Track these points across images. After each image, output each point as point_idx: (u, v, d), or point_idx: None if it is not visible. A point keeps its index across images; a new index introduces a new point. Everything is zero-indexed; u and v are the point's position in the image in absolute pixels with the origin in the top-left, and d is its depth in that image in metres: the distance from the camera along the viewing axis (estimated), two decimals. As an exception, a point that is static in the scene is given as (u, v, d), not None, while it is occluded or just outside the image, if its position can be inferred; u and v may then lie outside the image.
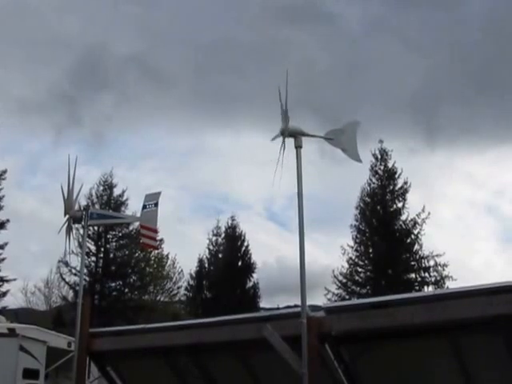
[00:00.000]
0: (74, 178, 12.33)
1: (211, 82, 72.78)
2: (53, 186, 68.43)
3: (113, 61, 73.25)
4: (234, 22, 75.33)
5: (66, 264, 44.01)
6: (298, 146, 9.25)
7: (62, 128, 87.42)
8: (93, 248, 44.91)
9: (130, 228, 44.68)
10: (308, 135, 9.41)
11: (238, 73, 68.20)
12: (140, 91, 76.95)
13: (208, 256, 47.72)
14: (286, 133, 9.16)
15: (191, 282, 47.79)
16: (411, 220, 42.51)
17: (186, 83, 73.79)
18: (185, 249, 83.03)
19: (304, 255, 8.88)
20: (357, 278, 43.23)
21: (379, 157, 44.25)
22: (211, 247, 47.96)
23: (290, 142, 9.28)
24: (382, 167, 44.18)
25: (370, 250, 42.93)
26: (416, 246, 42.21)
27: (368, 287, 42.41)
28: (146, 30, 73.34)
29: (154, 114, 73.52)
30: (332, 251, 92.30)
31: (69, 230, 12.21)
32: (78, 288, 40.34)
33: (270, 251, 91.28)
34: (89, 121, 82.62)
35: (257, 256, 48.17)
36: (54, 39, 71.49)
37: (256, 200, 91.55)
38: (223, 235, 48.31)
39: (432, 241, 43.98)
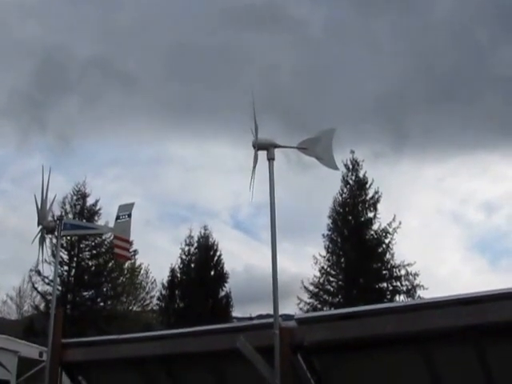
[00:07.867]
0: (47, 188, 12.27)
1: (175, 88, 72.07)
2: (18, 193, 67.53)
3: (76, 64, 71.96)
4: (197, 26, 74.70)
5: (39, 273, 43.69)
6: (271, 159, 9.34)
7: (25, 133, 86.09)
8: (65, 257, 44.46)
9: (103, 237, 44.43)
10: (280, 146, 9.49)
11: (201, 79, 67.38)
12: (104, 95, 76.30)
13: (180, 265, 47.50)
14: (257, 146, 9.26)
15: (163, 292, 47.52)
16: (382, 230, 42.76)
17: (150, 89, 72.94)
18: (151, 257, 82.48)
19: (276, 269, 8.99)
20: (328, 287, 43.31)
21: (351, 167, 44.41)
22: (184, 256, 47.74)
23: (262, 153, 9.38)
24: (353, 177, 44.35)
25: (342, 260, 43.05)
26: (387, 256, 42.44)
27: (340, 296, 42.52)
28: (108, 32, 72.46)
29: (119, 120, 72.73)
30: (299, 259, 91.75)
31: (42, 240, 12.14)
32: (49, 298, 40.24)
33: (237, 260, 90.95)
34: (53, 126, 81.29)
35: (225, 264, 47.94)
36: (15, 43, 70.43)
37: (222, 208, 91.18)
38: (196, 245, 48.10)
39: (402, 249, 44.17)
